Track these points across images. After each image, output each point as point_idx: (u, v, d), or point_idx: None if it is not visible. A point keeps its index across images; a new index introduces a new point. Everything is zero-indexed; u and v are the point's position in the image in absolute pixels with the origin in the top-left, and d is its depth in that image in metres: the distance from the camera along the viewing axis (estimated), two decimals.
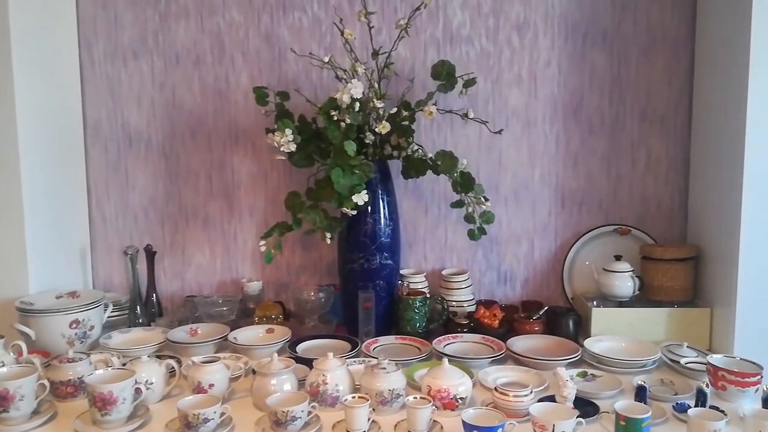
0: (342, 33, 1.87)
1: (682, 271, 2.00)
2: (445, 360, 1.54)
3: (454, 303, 2.10)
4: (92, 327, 1.89)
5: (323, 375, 1.51)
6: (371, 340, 1.93)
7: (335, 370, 1.52)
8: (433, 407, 1.39)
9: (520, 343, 1.88)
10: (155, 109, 2.22)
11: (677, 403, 1.52)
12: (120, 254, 2.27)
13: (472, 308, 2.11)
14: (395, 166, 2.06)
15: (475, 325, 2.01)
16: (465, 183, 1.86)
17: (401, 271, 2.13)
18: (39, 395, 1.46)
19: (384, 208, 1.99)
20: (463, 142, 2.17)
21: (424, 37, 2.14)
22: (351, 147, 1.76)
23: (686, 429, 1.34)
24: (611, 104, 2.14)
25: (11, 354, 1.61)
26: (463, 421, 1.34)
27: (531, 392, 1.48)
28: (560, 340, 1.91)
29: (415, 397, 1.41)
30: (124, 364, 1.59)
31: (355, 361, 1.76)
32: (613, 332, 1.93)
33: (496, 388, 1.49)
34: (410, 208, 2.22)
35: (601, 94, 2.13)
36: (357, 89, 1.78)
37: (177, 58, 2.20)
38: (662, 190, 2.16)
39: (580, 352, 1.80)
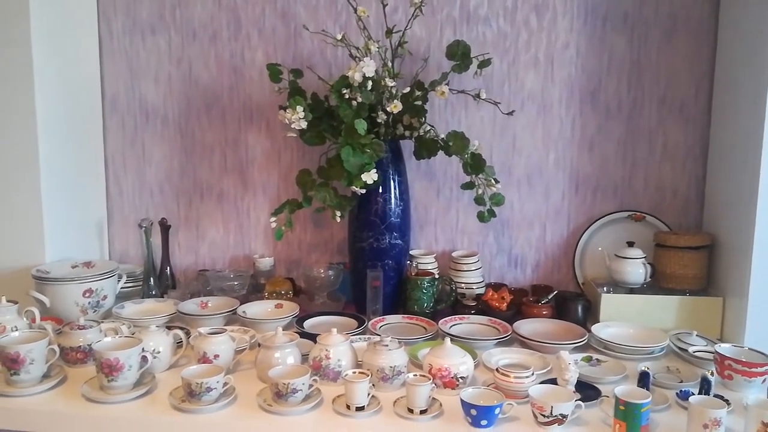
0: (355, 10, 1.86)
1: (696, 260, 1.97)
2: (447, 339, 1.55)
3: (463, 285, 2.10)
4: (105, 296, 1.93)
5: (326, 350, 1.53)
6: (378, 318, 1.94)
7: (338, 346, 1.54)
8: (433, 385, 1.40)
9: (526, 326, 1.87)
10: (172, 84, 2.25)
11: (681, 391, 1.51)
12: (136, 227, 2.31)
13: (482, 291, 2.11)
14: (407, 146, 2.06)
15: (482, 307, 2.01)
16: (476, 164, 1.85)
17: (411, 252, 2.13)
18: (49, 360, 1.50)
19: (395, 188, 1.99)
20: (477, 123, 2.16)
21: (440, 17, 2.12)
22: (362, 126, 1.76)
23: (687, 416, 1.33)
24: (629, 89, 2.10)
25: (25, 320, 1.66)
26: (462, 400, 1.34)
27: (532, 374, 1.48)
28: (567, 325, 1.90)
29: (416, 375, 1.42)
30: (132, 333, 1.62)
31: (359, 338, 1.77)
32: (622, 319, 1.92)
33: (497, 369, 1.49)
34: (422, 189, 2.21)
35: (620, 79, 2.10)
36: (369, 67, 1.78)
37: (194, 33, 2.21)
38: (679, 178, 2.12)
39: (586, 337, 1.79)
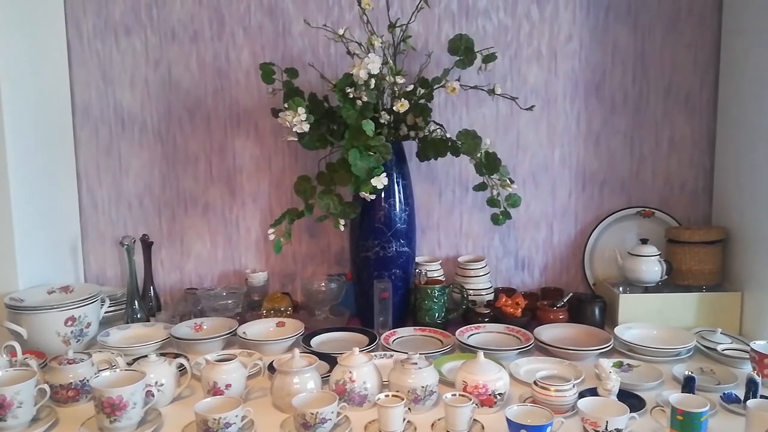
0: (359, 3, 1.73)
1: (711, 254, 1.92)
2: (481, 353, 1.44)
3: (471, 291, 1.99)
4: (89, 324, 1.75)
5: (350, 372, 1.40)
6: (389, 332, 1.82)
7: (362, 367, 1.41)
8: (474, 405, 1.29)
9: (546, 333, 1.78)
10: (150, 89, 2.07)
11: (725, 393, 1.44)
12: (113, 245, 2.13)
13: (491, 297, 2.01)
14: (408, 147, 1.94)
15: (496, 314, 1.91)
16: (490, 164, 1.75)
17: (416, 259, 2.01)
18: (38, 401, 1.32)
19: (399, 193, 1.88)
20: (480, 121, 2.06)
21: (438, 11, 2.01)
22: (369, 127, 1.63)
23: (744, 422, 1.25)
24: (634, 81, 2.04)
25: (4, 356, 1.47)
26: (508, 420, 1.23)
27: (573, 386, 1.38)
28: (588, 329, 1.82)
29: (454, 395, 1.31)
30: (129, 364, 1.46)
31: (376, 355, 1.64)
32: (640, 319, 1.84)
33: (535, 382, 1.39)
34: (423, 193, 2.10)
35: (624, 70, 2.03)
36: (374, 64, 1.65)
37: (173, 33, 2.04)
38: (686, 171, 2.07)
39: (612, 342, 1.71)
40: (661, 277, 1.93)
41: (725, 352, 1.66)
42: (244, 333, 1.77)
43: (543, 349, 1.73)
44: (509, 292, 2.00)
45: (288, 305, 1.97)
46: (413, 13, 1.80)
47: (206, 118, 2.09)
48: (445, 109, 2.05)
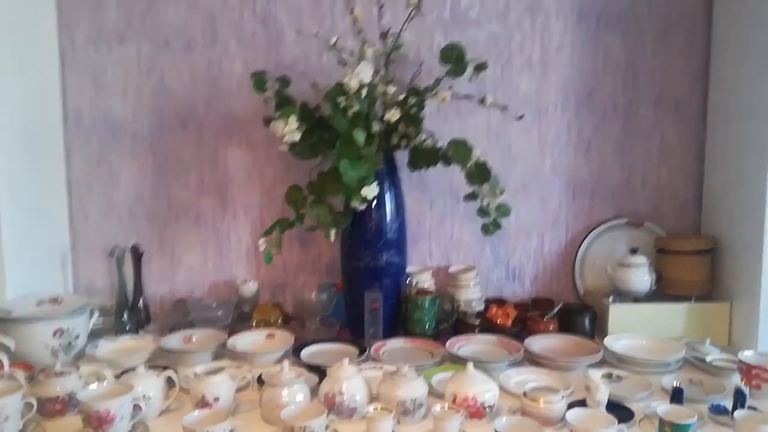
0: (351, 11, 1.74)
1: (701, 264, 1.93)
2: (470, 365, 1.44)
3: (462, 302, 1.99)
4: (78, 336, 1.74)
5: (339, 384, 1.40)
6: (379, 343, 1.81)
7: (351, 379, 1.41)
8: (462, 418, 1.29)
9: (537, 344, 1.78)
10: (142, 97, 2.06)
11: (713, 405, 1.44)
12: (103, 256, 2.11)
13: (481, 307, 2.01)
14: (399, 157, 1.94)
15: (486, 325, 1.91)
16: (481, 174, 1.75)
17: (408, 269, 2.01)
18: (25, 415, 1.32)
19: (390, 202, 1.88)
20: (471, 130, 2.05)
21: (430, 20, 2.01)
22: (360, 136, 1.63)
23: None
24: (625, 90, 2.05)
25: None
26: None
27: (562, 398, 1.38)
28: (578, 339, 1.82)
29: (442, 407, 1.30)
30: (118, 377, 1.45)
31: (365, 367, 1.64)
32: (630, 329, 1.85)
33: (524, 394, 1.39)
34: (414, 202, 2.09)
35: (615, 80, 2.04)
36: (366, 73, 1.66)
37: (166, 42, 2.04)
38: (676, 180, 2.08)
39: (602, 353, 1.71)
40: (650, 287, 1.93)
41: (714, 363, 1.67)
42: (233, 345, 1.77)
43: (533, 360, 1.72)
44: (500, 302, 2.00)
45: (278, 316, 1.97)
46: (405, 22, 1.80)
47: (198, 128, 2.08)
48: (436, 119, 2.05)
